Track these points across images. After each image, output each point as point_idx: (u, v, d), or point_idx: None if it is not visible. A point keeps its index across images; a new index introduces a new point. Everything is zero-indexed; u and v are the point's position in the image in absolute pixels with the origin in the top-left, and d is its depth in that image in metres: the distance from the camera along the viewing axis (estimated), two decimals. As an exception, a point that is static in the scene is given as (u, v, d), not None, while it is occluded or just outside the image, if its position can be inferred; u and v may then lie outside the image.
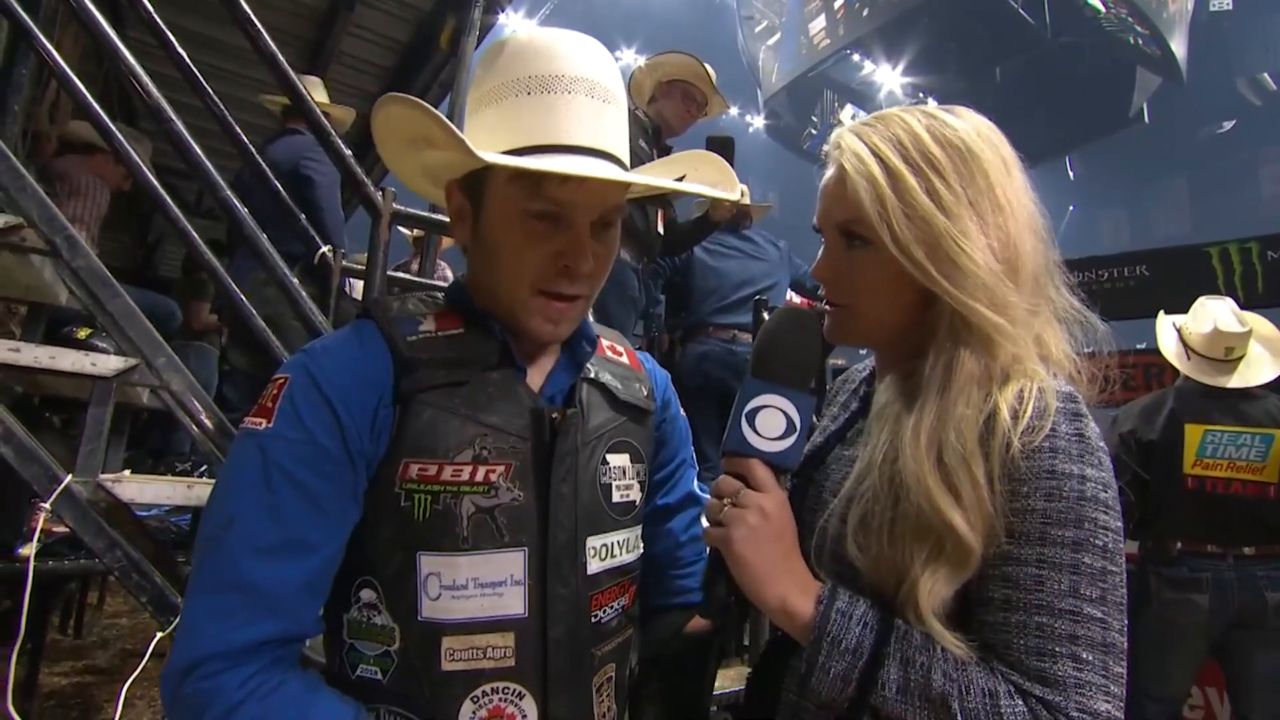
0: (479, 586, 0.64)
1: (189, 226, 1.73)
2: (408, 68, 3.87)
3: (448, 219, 0.76)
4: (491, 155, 0.62)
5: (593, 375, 0.77)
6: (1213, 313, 2.27)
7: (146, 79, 1.45)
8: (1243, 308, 2.40)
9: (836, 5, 17.18)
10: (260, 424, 0.61)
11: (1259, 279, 2.66)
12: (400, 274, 3.30)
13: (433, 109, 0.64)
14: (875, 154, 0.63)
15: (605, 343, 0.82)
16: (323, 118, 1.76)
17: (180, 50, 2.22)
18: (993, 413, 0.58)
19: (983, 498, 0.56)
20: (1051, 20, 14.12)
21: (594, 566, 0.70)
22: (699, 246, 2.74)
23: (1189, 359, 2.30)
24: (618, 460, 0.75)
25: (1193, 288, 2.60)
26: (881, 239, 0.62)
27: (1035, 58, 15.26)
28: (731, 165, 0.77)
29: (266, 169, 2.08)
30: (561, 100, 0.66)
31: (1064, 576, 0.54)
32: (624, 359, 0.83)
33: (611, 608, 0.72)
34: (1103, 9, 13.75)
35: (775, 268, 2.90)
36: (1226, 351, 2.24)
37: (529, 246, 0.67)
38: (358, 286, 2.53)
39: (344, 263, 2.10)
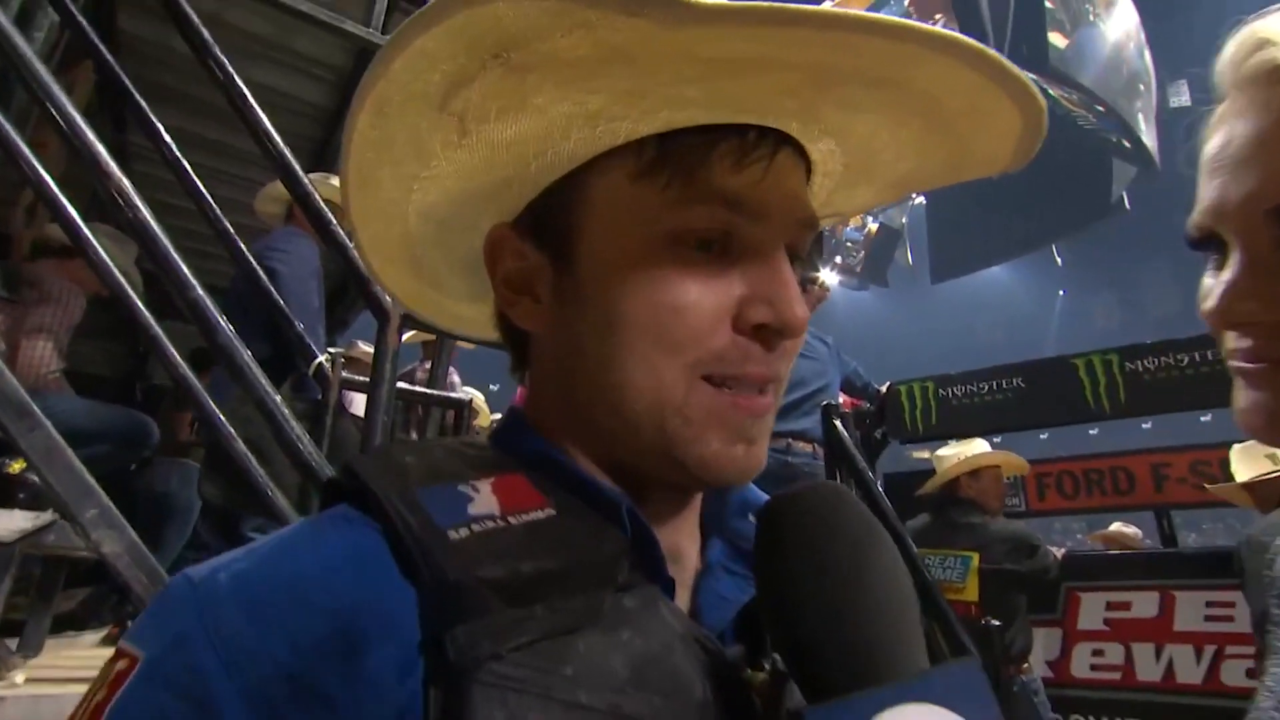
0: None
1: (160, 333, 1.46)
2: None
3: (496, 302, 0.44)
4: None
5: None
6: None
7: (112, 168, 1.20)
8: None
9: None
10: None
11: (1120, 390, 2.67)
12: (401, 384, 2.97)
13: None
14: None
15: None
16: (322, 204, 1.52)
17: (176, 152, 2.07)
18: None
19: None
20: (1026, 118, 14.74)
21: None
22: None
23: None
24: None
25: (1064, 399, 2.79)
26: None
27: (1014, 152, 15.89)
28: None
29: (257, 268, 1.83)
30: None
31: None
32: None
33: None
34: (1072, 107, 14.46)
35: (826, 365, 2.65)
36: None
37: (688, 291, 0.36)
38: (356, 400, 2.22)
39: (343, 374, 1.81)
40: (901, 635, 0.31)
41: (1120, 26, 14.90)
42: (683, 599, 0.40)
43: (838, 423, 2.28)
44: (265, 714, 0.27)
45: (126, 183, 1.20)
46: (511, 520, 0.34)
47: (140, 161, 3.35)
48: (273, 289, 1.94)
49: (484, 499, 0.34)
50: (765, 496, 0.44)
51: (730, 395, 0.37)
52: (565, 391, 0.41)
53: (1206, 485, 2.52)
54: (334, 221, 1.54)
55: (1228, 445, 2.71)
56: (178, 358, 1.51)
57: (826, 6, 0.36)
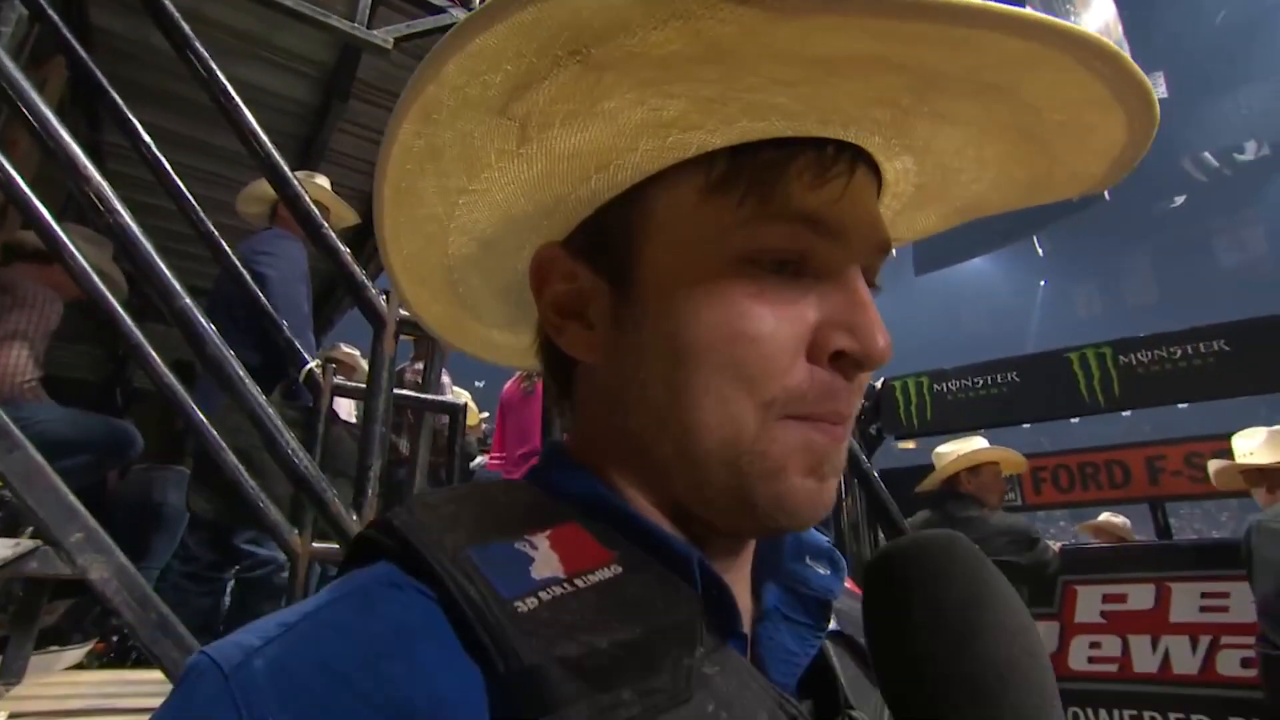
0: None
1: (143, 339, 1.40)
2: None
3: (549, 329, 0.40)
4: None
5: (837, 626, 0.41)
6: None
7: (90, 171, 1.14)
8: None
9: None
10: None
11: (1115, 383, 2.74)
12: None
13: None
14: None
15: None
16: (311, 205, 1.46)
17: (155, 151, 2.00)
18: None
19: None
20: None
21: None
22: None
23: None
24: None
25: (1059, 393, 2.89)
26: None
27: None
28: None
29: (242, 270, 1.76)
30: None
31: None
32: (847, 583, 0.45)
33: None
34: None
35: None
36: None
37: (764, 318, 0.33)
38: (341, 404, 2.16)
39: (335, 380, 1.75)
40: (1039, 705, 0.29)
41: (1099, 18, 15.06)
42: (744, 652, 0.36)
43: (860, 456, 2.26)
44: None
45: (105, 186, 1.14)
46: (579, 584, 0.30)
47: (116, 160, 3.25)
48: (260, 293, 1.88)
49: (544, 558, 0.31)
50: (819, 536, 0.42)
51: (808, 427, 0.34)
52: (621, 426, 0.37)
53: (1211, 468, 2.52)
54: (324, 223, 1.49)
55: (1219, 437, 2.73)
56: (162, 365, 1.45)
57: None
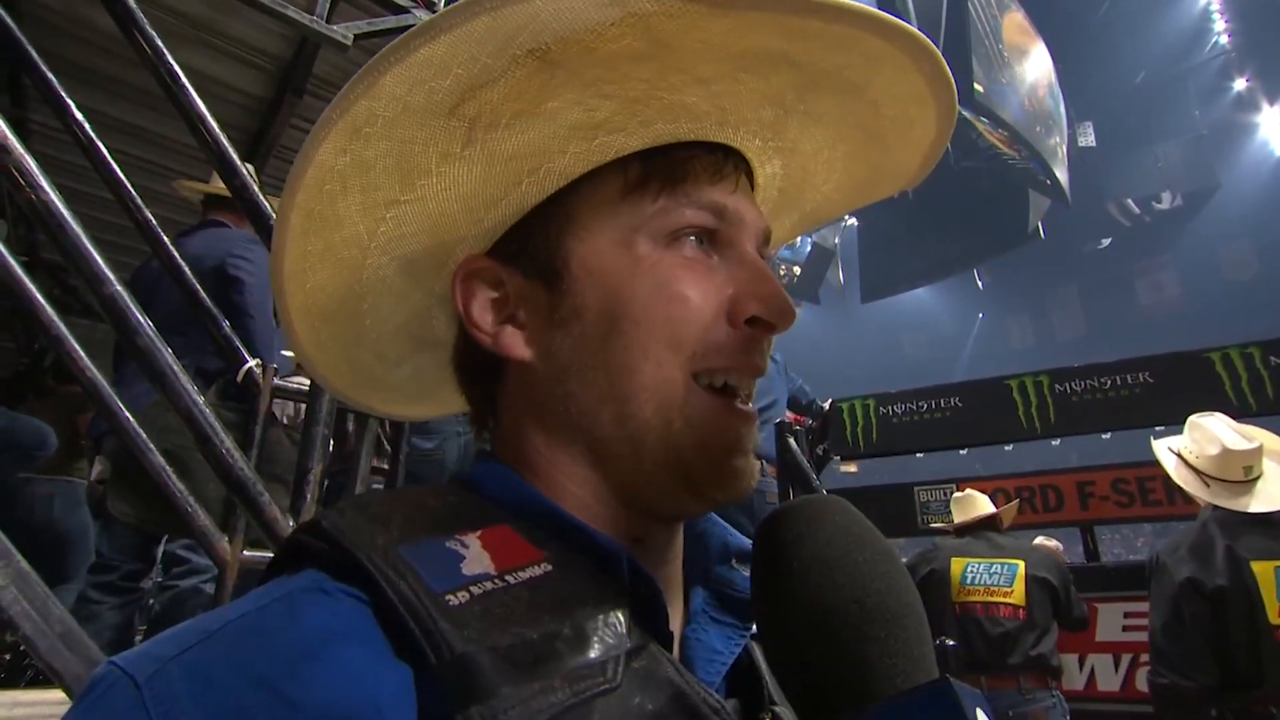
0: None
1: (64, 330, 1.30)
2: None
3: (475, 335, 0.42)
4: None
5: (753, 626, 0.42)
6: (1213, 432, 2.14)
7: (11, 142, 1.06)
8: (1254, 415, 2.36)
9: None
10: None
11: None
12: (295, 381, 2.70)
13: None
14: None
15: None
16: (264, 202, 1.40)
17: (92, 134, 1.88)
18: None
19: None
20: (953, 149, 15.67)
21: None
22: None
23: (1208, 485, 2.13)
24: None
25: (999, 418, 2.93)
26: None
27: (941, 180, 16.83)
28: None
29: (181, 261, 1.67)
30: None
31: None
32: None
33: None
34: (994, 142, 15.42)
35: (774, 382, 2.65)
36: (1245, 471, 2.10)
37: (692, 284, 0.38)
38: (288, 409, 2.06)
39: (276, 380, 1.67)
40: (903, 649, 0.31)
41: (1038, 69, 16.01)
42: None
43: (792, 440, 2.28)
44: None
45: (28, 158, 1.06)
46: (510, 580, 0.31)
47: (42, 142, 3.05)
48: (199, 289, 1.78)
49: (475, 555, 0.32)
50: (745, 540, 0.44)
51: (723, 400, 0.38)
52: (556, 421, 0.39)
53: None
54: (273, 214, 1.42)
55: (1144, 464, 2.87)
56: (85, 358, 1.35)
57: None
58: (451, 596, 0.29)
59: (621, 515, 0.38)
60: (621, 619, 0.32)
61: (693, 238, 0.39)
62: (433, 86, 0.34)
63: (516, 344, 0.40)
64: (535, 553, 0.33)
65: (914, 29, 0.36)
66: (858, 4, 0.34)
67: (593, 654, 0.30)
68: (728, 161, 0.41)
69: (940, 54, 0.37)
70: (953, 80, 0.39)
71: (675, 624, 0.38)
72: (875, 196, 0.49)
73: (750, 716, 0.37)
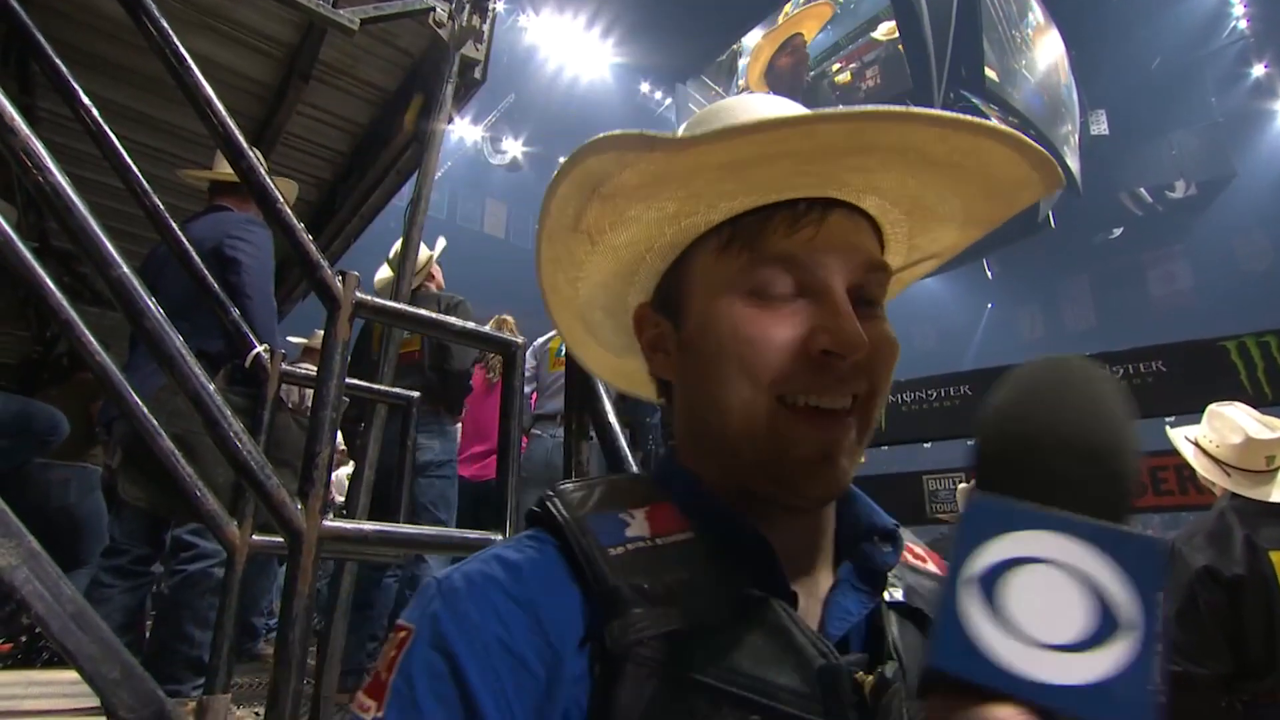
0: None
1: (74, 315, 1.30)
2: (363, 151, 3.56)
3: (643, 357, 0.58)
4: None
5: (898, 596, 0.50)
6: (1236, 421, 2.11)
7: (18, 124, 1.05)
8: (1270, 405, 2.31)
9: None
10: (369, 713, 0.39)
11: None
12: (303, 367, 2.78)
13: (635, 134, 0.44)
14: None
15: (904, 540, 0.55)
16: (271, 185, 1.39)
17: (100, 121, 1.87)
18: None
19: None
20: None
21: None
22: None
23: (1229, 474, 2.11)
24: None
25: (1213, 385, 2.70)
26: None
27: (951, 170, 16.63)
28: None
29: (188, 246, 1.67)
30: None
31: None
32: (930, 565, 0.55)
33: None
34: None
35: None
36: (1267, 461, 2.07)
37: (762, 328, 0.46)
38: (293, 394, 2.06)
39: (284, 366, 1.66)
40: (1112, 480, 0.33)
41: (1050, 56, 15.78)
42: (813, 611, 0.47)
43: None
44: (485, 664, 0.39)
45: (35, 140, 1.05)
46: (659, 541, 0.45)
47: (49, 129, 3.06)
48: (206, 273, 1.77)
49: (638, 524, 0.46)
50: (888, 520, 0.52)
51: (804, 415, 0.45)
52: (692, 426, 0.51)
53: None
54: (279, 198, 1.41)
55: (1162, 453, 2.82)
56: (95, 343, 1.35)
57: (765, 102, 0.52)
58: (614, 550, 0.43)
59: (751, 501, 0.47)
60: (736, 571, 0.44)
61: (774, 285, 0.46)
62: (565, 212, 0.50)
63: (665, 369, 0.55)
64: (683, 523, 0.46)
65: (892, 109, 0.40)
66: (769, 115, 0.41)
67: (711, 594, 0.42)
68: (811, 210, 0.47)
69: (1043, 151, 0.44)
70: (1058, 168, 0.45)
71: (821, 589, 0.48)
72: (1017, 203, 0.51)
73: (872, 668, 0.44)
